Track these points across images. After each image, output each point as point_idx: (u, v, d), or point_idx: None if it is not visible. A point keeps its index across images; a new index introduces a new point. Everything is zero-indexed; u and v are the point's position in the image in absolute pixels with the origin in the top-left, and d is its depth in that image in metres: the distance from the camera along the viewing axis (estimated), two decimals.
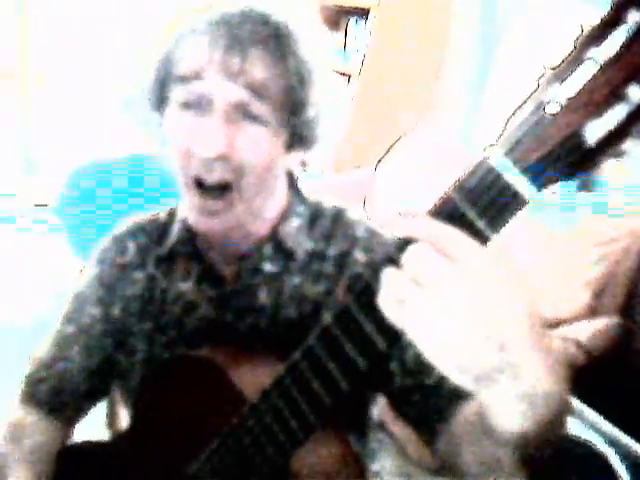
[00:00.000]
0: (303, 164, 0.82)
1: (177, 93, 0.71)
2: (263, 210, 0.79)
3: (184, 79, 0.70)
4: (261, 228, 0.81)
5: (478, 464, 0.63)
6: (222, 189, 0.72)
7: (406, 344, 0.72)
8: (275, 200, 0.81)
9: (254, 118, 0.70)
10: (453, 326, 0.45)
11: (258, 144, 0.71)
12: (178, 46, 0.71)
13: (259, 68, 0.68)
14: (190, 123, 0.70)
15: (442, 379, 0.71)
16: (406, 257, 0.47)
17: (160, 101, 0.74)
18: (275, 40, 0.69)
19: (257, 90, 0.68)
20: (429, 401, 0.73)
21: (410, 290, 0.46)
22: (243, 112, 0.69)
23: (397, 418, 0.79)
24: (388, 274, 0.48)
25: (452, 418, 0.69)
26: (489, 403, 0.50)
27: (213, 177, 0.71)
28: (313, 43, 0.72)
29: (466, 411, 0.68)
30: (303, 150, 0.77)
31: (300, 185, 0.86)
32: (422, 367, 0.73)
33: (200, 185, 0.72)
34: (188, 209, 0.76)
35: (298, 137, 0.75)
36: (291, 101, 0.71)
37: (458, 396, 0.69)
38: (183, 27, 0.71)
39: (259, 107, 0.69)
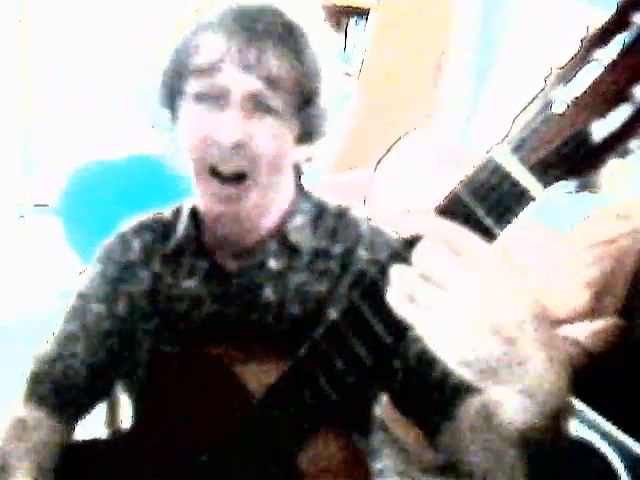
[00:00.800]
0: (308, 159, 0.83)
1: (193, 85, 0.73)
2: (271, 203, 0.80)
3: (201, 71, 0.72)
4: (267, 223, 0.81)
5: (481, 460, 0.64)
6: (238, 178, 0.74)
7: (410, 341, 0.73)
8: (282, 195, 0.82)
9: (268, 110, 0.72)
10: (462, 321, 0.46)
11: (272, 135, 0.73)
12: (194, 39, 0.73)
13: (274, 60, 0.71)
14: (206, 114, 0.72)
15: (445, 376, 0.72)
16: (415, 253, 0.48)
17: (172, 96, 0.76)
18: (289, 35, 0.72)
19: (272, 82, 0.71)
20: (432, 398, 0.73)
21: (420, 286, 0.47)
22: (258, 103, 0.72)
23: (399, 417, 0.80)
24: (397, 270, 0.48)
25: (455, 415, 0.70)
26: (494, 397, 0.51)
27: (229, 167, 0.73)
28: (322, 39, 0.75)
29: (469, 408, 0.68)
30: (310, 143, 0.79)
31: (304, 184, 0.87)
32: (425, 364, 0.73)
33: (216, 174, 0.74)
34: (202, 197, 0.77)
35: (307, 130, 0.77)
36: (303, 93, 0.74)
37: (461, 393, 0.70)
38: (198, 20, 0.73)
39: (274, 99, 0.72)
